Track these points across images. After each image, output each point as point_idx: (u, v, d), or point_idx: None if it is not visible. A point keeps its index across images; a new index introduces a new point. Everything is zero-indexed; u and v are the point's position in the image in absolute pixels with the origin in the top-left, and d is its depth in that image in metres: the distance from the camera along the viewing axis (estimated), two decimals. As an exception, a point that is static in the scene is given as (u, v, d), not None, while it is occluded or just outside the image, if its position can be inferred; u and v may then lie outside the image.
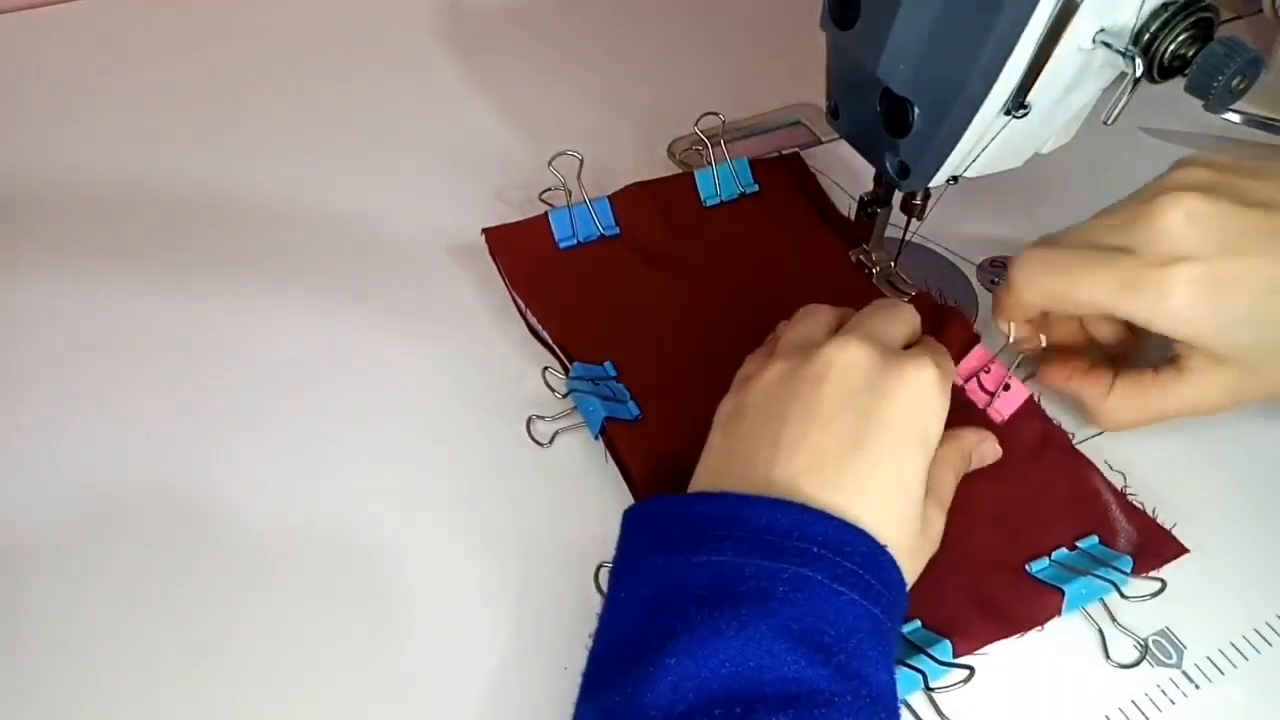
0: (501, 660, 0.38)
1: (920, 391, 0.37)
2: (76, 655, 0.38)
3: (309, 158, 0.59)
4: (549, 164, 0.53)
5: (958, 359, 0.45)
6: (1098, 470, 0.43)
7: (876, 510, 0.35)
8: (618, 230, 0.53)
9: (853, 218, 0.54)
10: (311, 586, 0.40)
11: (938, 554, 0.38)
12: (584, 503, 0.43)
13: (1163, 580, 0.40)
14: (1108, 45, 0.38)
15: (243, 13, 0.71)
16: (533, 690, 0.38)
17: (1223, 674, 0.39)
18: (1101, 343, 0.46)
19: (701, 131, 0.55)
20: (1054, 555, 0.41)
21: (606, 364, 0.47)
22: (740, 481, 0.36)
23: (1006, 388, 0.45)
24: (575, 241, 0.52)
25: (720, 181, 0.55)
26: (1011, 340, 0.44)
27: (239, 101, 0.63)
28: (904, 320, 0.42)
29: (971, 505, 0.41)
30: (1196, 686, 0.38)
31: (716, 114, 0.56)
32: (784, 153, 0.58)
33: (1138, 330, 0.42)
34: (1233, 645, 0.39)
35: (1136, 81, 0.37)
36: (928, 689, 0.37)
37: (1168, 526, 0.42)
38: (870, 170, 0.48)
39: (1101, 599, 0.40)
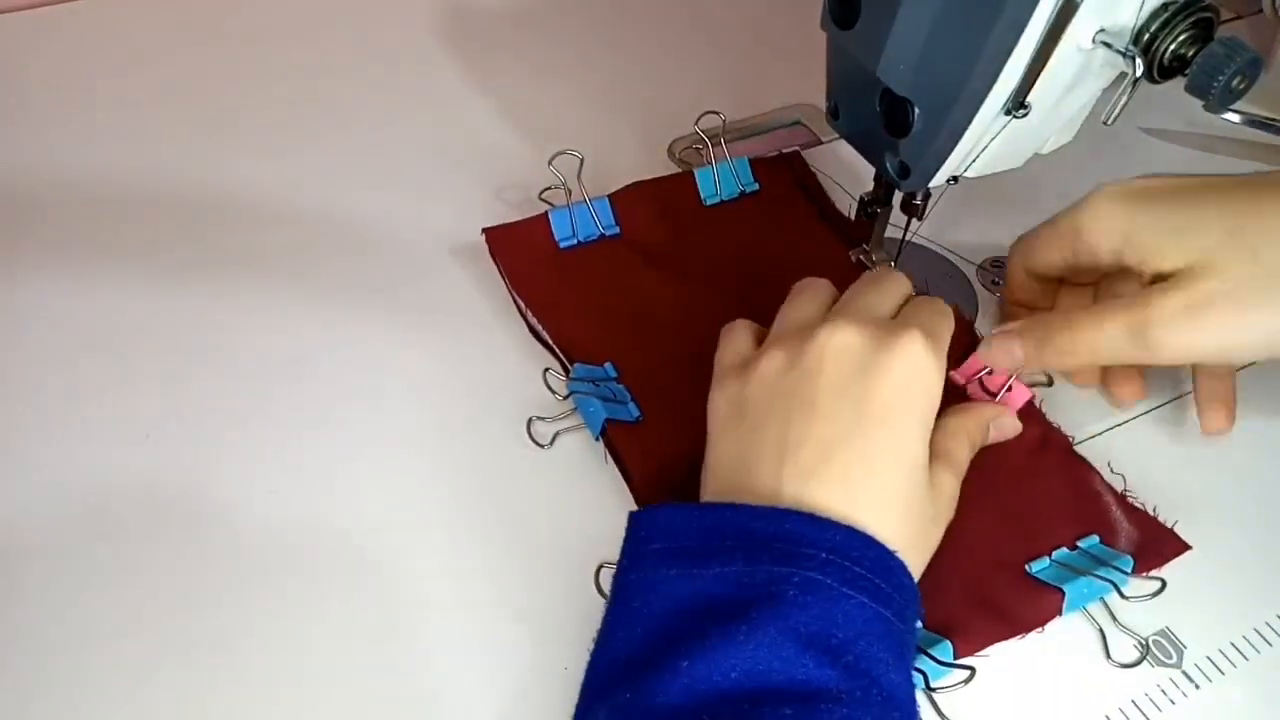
0: (501, 660, 0.38)
1: (912, 363, 0.37)
2: (76, 655, 0.38)
3: (309, 158, 0.59)
4: (549, 163, 0.53)
5: (958, 361, 0.45)
6: (1097, 472, 0.44)
7: (882, 509, 0.36)
8: (618, 230, 0.53)
9: (853, 218, 0.54)
10: (311, 587, 0.40)
11: (938, 555, 0.38)
12: (584, 503, 0.43)
13: (1163, 580, 0.40)
14: (1108, 45, 0.38)
15: (243, 13, 0.71)
16: (532, 690, 0.38)
17: (1223, 674, 0.39)
18: None
19: (701, 131, 0.55)
20: (1054, 555, 0.41)
21: (607, 365, 0.47)
22: (750, 486, 0.37)
23: (1008, 389, 0.45)
24: (575, 241, 0.52)
25: (720, 181, 0.55)
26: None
27: (239, 101, 0.63)
28: (892, 290, 0.42)
29: (972, 506, 0.41)
30: (1196, 686, 0.38)
31: (716, 114, 0.56)
32: (784, 152, 0.58)
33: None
34: (1233, 645, 0.39)
35: (1136, 81, 0.37)
36: (929, 689, 0.37)
37: (1168, 526, 0.42)
38: (870, 170, 0.48)
39: (1102, 599, 0.40)
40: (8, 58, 0.66)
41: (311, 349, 0.49)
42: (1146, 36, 0.37)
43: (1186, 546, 0.41)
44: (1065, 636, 0.39)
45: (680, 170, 0.58)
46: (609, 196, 0.53)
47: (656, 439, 0.44)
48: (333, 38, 0.69)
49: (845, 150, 0.47)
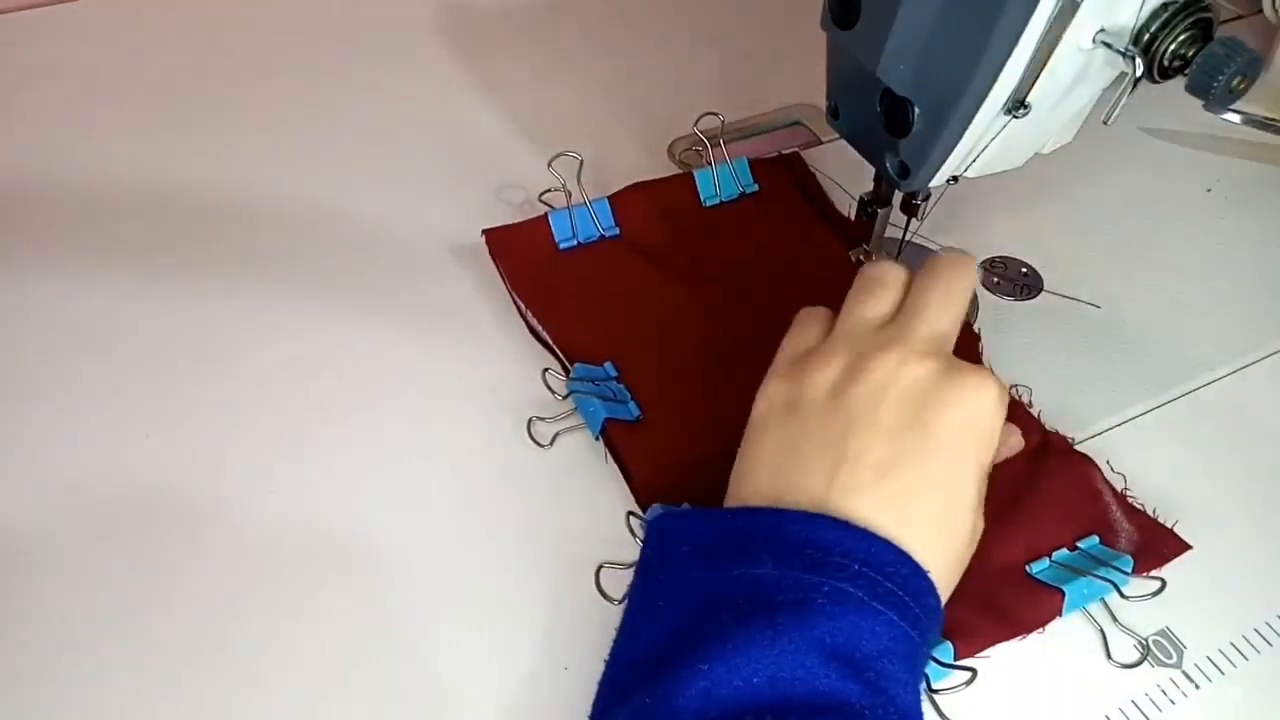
0: (502, 660, 0.38)
1: (981, 404, 0.36)
2: (75, 655, 0.38)
3: (309, 158, 0.59)
4: (549, 164, 0.53)
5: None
6: (1097, 466, 0.43)
7: (926, 534, 0.35)
8: (618, 231, 0.53)
9: (853, 218, 0.54)
10: (311, 587, 0.40)
11: None
12: (584, 503, 0.43)
13: (1163, 579, 0.40)
14: (1108, 45, 0.38)
15: (242, 13, 0.71)
16: (533, 690, 0.38)
17: (1223, 674, 0.39)
18: None
19: (701, 131, 0.55)
20: (1054, 556, 0.41)
21: (607, 365, 0.47)
22: (795, 487, 0.36)
23: None
24: (575, 242, 0.52)
25: (720, 181, 0.55)
26: None
27: (238, 101, 0.63)
28: (961, 299, 0.40)
29: None
30: (1196, 686, 0.38)
31: (716, 114, 0.55)
32: (784, 152, 0.58)
33: None
34: (1233, 645, 0.39)
35: (1136, 81, 0.37)
36: (931, 691, 0.37)
37: (1168, 526, 0.42)
38: (870, 170, 0.48)
39: (1102, 599, 0.40)
40: (8, 58, 0.66)
41: (311, 349, 0.49)
42: (1146, 36, 0.37)
43: (1187, 546, 0.41)
44: (1065, 637, 0.39)
45: (680, 171, 0.58)
46: (609, 198, 0.53)
47: (657, 438, 0.44)
48: (332, 38, 0.69)
49: (845, 150, 0.47)
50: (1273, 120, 0.61)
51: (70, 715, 0.37)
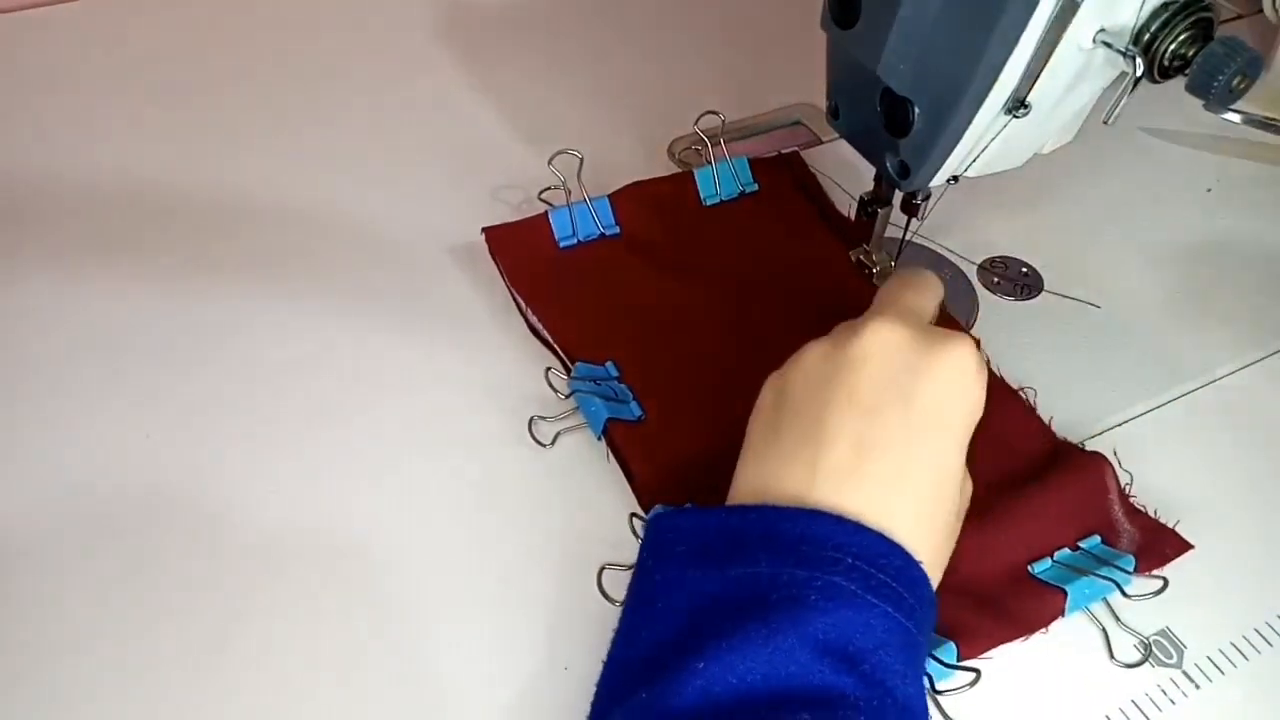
0: (502, 660, 0.38)
1: (961, 369, 0.36)
2: (75, 655, 0.38)
3: (308, 157, 0.59)
4: (549, 162, 0.53)
5: None
6: (1111, 467, 0.43)
7: (915, 520, 0.34)
8: (618, 229, 0.53)
9: (853, 218, 0.54)
10: (311, 587, 0.40)
11: None
12: (586, 503, 0.43)
13: (1164, 578, 0.40)
14: (1108, 45, 0.38)
15: (242, 13, 0.71)
16: (534, 690, 0.38)
17: (1223, 674, 0.39)
18: None
19: (701, 131, 0.55)
20: (1056, 556, 0.41)
21: (608, 364, 0.47)
22: (781, 478, 0.36)
23: None
24: (575, 241, 0.52)
25: (720, 180, 0.55)
26: None
27: (238, 101, 0.63)
28: (933, 293, 0.41)
29: (973, 508, 0.40)
30: (1197, 686, 0.38)
31: (716, 114, 0.56)
32: (784, 152, 0.58)
33: None
34: (1233, 645, 0.40)
35: (1137, 81, 0.37)
36: (934, 691, 0.37)
37: (1170, 526, 0.42)
38: (870, 170, 0.48)
39: (1105, 598, 0.40)
40: (8, 58, 0.66)
41: (311, 349, 0.49)
42: (1147, 36, 0.37)
43: (1189, 546, 0.41)
44: (1065, 636, 0.39)
45: (680, 170, 0.58)
46: (609, 196, 0.53)
47: (659, 438, 0.44)
48: (332, 38, 0.69)
49: (845, 150, 0.47)
50: (1273, 120, 0.61)
51: (70, 715, 0.37)
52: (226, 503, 0.43)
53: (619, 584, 0.39)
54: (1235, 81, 0.37)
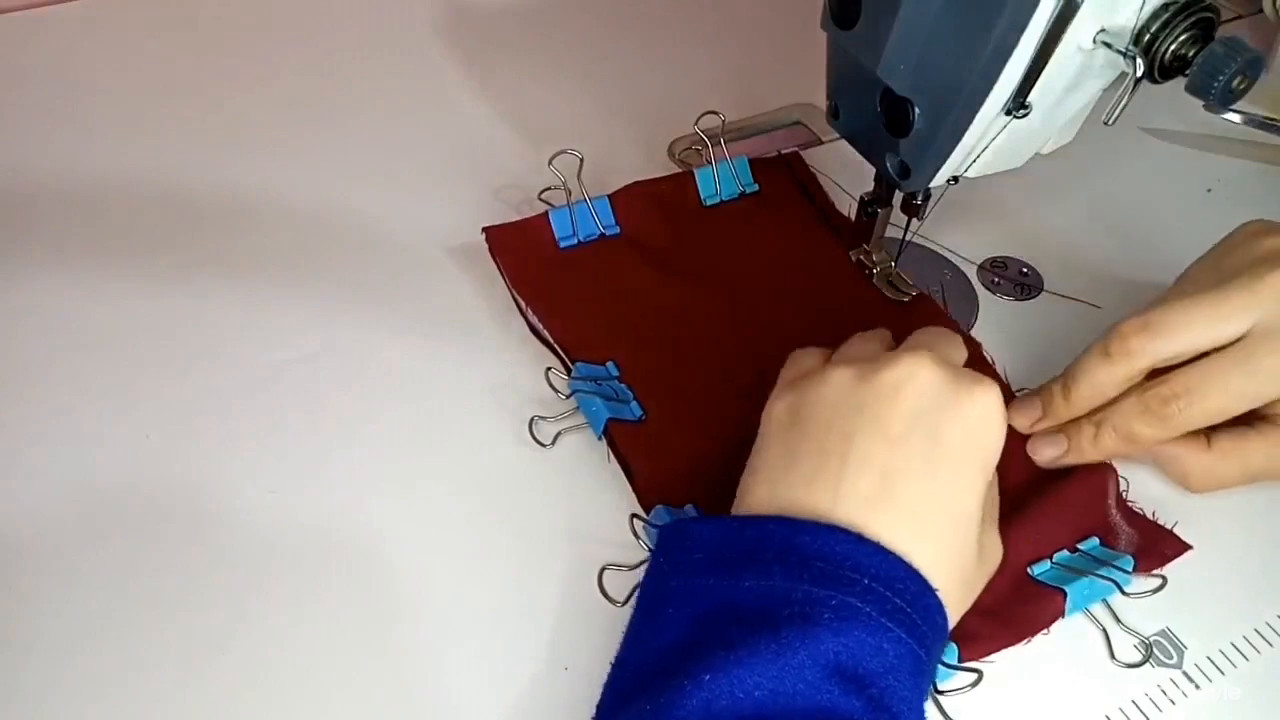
0: (503, 660, 0.38)
1: (987, 413, 0.36)
2: (74, 655, 0.38)
3: (308, 157, 0.59)
4: (549, 162, 0.53)
5: None
6: (1114, 470, 0.43)
7: (932, 548, 0.34)
8: (618, 229, 0.53)
9: (853, 218, 0.54)
10: (312, 587, 0.40)
11: None
12: (586, 503, 0.43)
13: (1164, 577, 0.40)
14: (1108, 45, 0.38)
15: (242, 13, 0.71)
16: (534, 690, 0.38)
17: (1223, 674, 0.39)
18: None
19: (701, 131, 0.55)
20: (1055, 558, 0.41)
21: (609, 364, 0.47)
22: (801, 498, 0.35)
23: None
24: (576, 241, 0.52)
25: (720, 181, 0.55)
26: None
27: (238, 101, 0.63)
28: (960, 348, 0.41)
29: None
30: (1197, 686, 0.38)
31: (716, 114, 0.55)
32: (784, 152, 0.58)
33: None
34: (1233, 645, 0.40)
35: (1137, 82, 0.37)
36: (936, 692, 0.37)
37: (1168, 527, 0.42)
38: (870, 170, 0.48)
39: (1105, 600, 0.40)
40: (8, 58, 0.66)
41: (311, 349, 0.49)
42: (1147, 37, 0.37)
43: (1187, 546, 0.41)
44: (1066, 637, 0.39)
45: (680, 170, 0.58)
46: (609, 196, 0.53)
47: (659, 438, 0.44)
48: (332, 38, 0.69)
49: (845, 150, 0.47)
50: (1273, 120, 0.61)
51: (71, 715, 0.37)
52: (226, 502, 0.43)
53: (619, 584, 0.39)
54: (1235, 82, 0.37)
